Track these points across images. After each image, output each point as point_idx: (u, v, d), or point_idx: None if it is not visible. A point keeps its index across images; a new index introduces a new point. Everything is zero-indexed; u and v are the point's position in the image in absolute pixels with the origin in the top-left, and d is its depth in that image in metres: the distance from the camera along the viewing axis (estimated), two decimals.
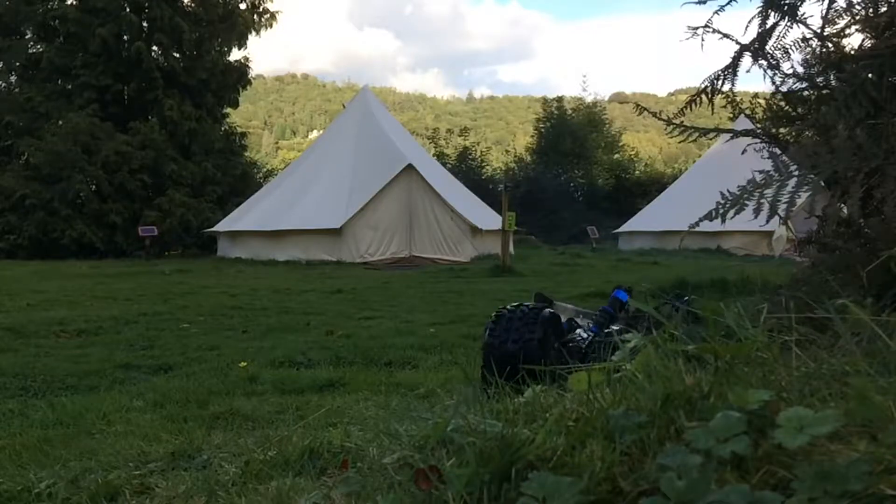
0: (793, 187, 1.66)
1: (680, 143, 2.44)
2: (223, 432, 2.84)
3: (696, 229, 2.01)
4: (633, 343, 1.84)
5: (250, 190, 22.69)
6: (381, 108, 21.95)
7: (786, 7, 2.15)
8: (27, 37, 24.56)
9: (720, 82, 2.35)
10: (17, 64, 24.27)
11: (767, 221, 1.77)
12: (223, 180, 23.77)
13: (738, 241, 19.12)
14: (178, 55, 23.95)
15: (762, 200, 1.70)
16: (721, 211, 1.80)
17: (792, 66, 2.25)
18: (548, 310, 2.76)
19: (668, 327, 2.51)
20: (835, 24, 2.14)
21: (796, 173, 1.69)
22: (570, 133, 33.97)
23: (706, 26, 2.29)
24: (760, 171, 1.77)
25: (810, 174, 1.64)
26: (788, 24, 2.17)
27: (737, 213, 1.76)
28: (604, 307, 2.94)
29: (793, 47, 2.22)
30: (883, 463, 0.90)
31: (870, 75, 1.91)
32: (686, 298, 2.90)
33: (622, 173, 34.44)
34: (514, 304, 2.90)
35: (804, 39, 2.20)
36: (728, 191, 1.80)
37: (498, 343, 2.67)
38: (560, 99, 36.90)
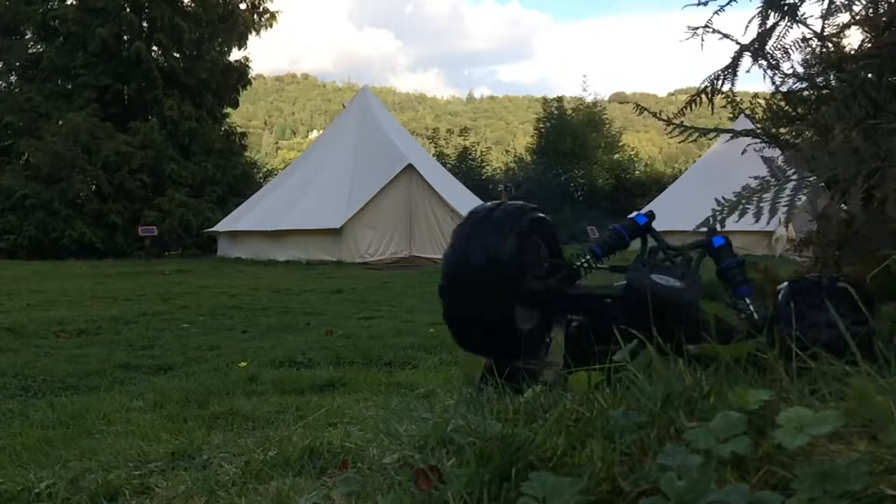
0: (791, 190, 1.66)
1: (680, 143, 2.44)
2: (223, 432, 2.84)
3: (696, 229, 2.03)
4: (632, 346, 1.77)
5: (250, 190, 22.69)
6: (381, 108, 21.95)
7: (786, 7, 2.15)
8: (27, 37, 24.56)
9: (720, 82, 2.34)
10: (17, 64, 24.27)
11: (768, 223, 1.78)
12: (223, 180, 23.77)
13: (738, 241, 18.98)
14: (177, 55, 23.95)
15: (761, 204, 1.70)
16: (719, 217, 1.81)
17: (792, 66, 2.25)
18: (535, 212, 2.06)
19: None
20: (835, 24, 2.14)
21: (794, 177, 1.69)
22: (571, 133, 33.97)
23: (706, 26, 2.29)
24: (756, 177, 1.78)
25: (808, 177, 1.64)
26: (788, 24, 2.17)
27: (740, 216, 1.76)
28: (616, 226, 2.27)
29: (793, 47, 2.21)
30: (883, 463, 0.90)
31: (869, 75, 1.91)
32: (723, 239, 2.15)
33: (622, 173, 34.45)
34: (493, 202, 2.20)
35: (804, 39, 2.20)
36: (723, 198, 1.81)
37: (459, 259, 1.89)
38: (560, 99, 36.89)
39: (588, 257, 2.15)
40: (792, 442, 0.93)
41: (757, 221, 1.80)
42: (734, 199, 1.77)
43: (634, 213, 2.29)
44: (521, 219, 1.97)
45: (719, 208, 1.82)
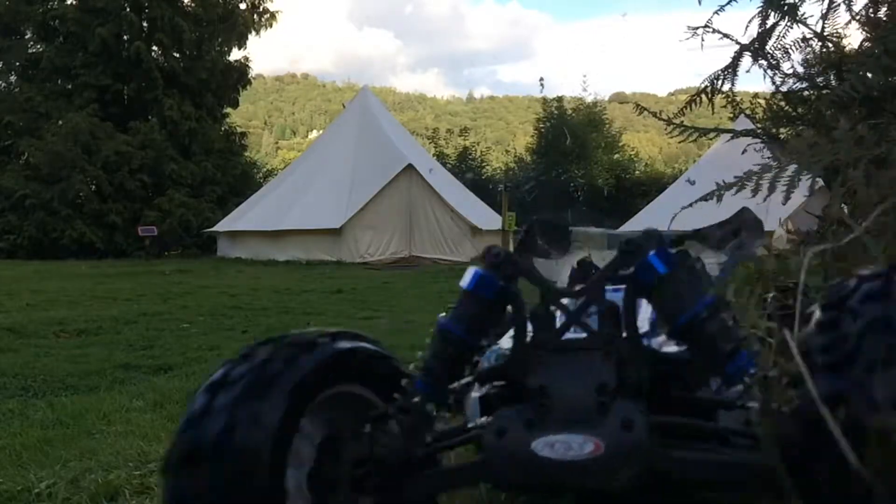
0: (792, 172, 1.66)
1: (680, 142, 2.44)
2: None
3: (695, 203, 1.98)
4: None
5: (250, 190, 22.67)
6: (381, 108, 21.94)
7: (786, 7, 2.15)
8: (27, 37, 24.54)
9: (720, 82, 2.35)
10: (17, 64, 24.25)
11: (764, 200, 1.75)
12: (223, 180, 23.76)
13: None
14: (178, 55, 23.93)
15: (761, 182, 1.70)
16: (718, 193, 1.80)
17: (792, 66, 2.25)
18: (343, 343, 1.30)
19: None
20: (835, 23, 2.14)
21: (795, 161, 1.69)
22: (571, 133, 33.92)
23: (706, 26, 2.29)
24: (758, 164, 1.78)
25: (810, 161, 1.64)
26: (788, 23, 2.17)
27: (737, 191, 1.75)
28: (417, 384, 1.34)
29: (793, 47, 2.21)
30: None
31: (869, 74, 1.90)
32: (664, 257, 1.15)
33: (622, 173, 34.40)
34: (302, 330, 1.32)
35: (804, 39, 2.20)
36: (724, 181, 1.80)
37: (198, 448, 1.10)
38: (560, 99, 36.83)
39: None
40: None
41: (753, 197, 1.75)
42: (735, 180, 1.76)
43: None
44: (303, 364, 1.12)
45: (720, 185, 1.80)
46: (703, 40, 2.30)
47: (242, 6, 25.37)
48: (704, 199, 1.85)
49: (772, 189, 1.68)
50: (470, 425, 1.25)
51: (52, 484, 2.05)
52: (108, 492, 1.91)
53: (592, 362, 1.07)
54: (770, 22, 2.18)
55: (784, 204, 1.74)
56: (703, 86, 2.38)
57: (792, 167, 1.68)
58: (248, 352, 1.23)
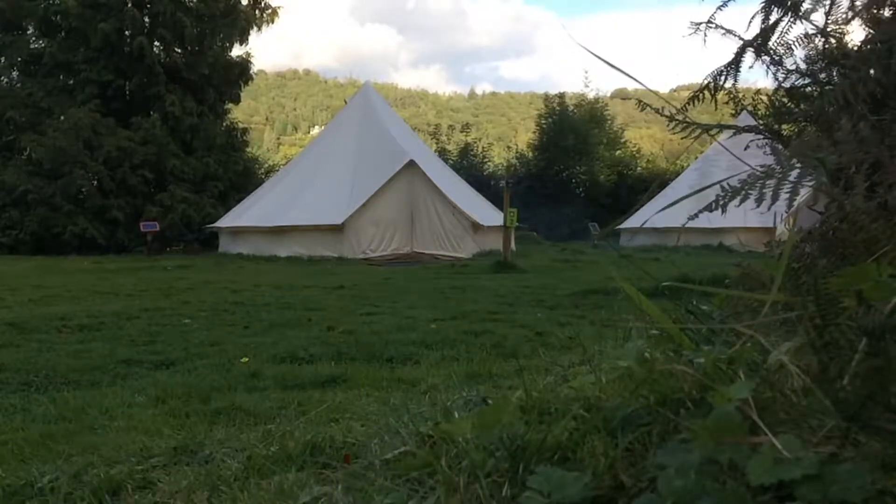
0: (795, 177, 1.65)
1: (683, 139, 2.44)
2: (225, 427, 2.84)
3: (698, 225, 1.98)
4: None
5: (252, 186, 22.71)
6: (383, 104, 21.94)
7: (789, 3, 2.14)
8: (29, 32, 24.54)
9: (723, 78, 2.34)
10: (19, 59, 24.25)
11: (769, 209, 1.75)
12: (225, 176, 23.79)
13: (740, 238, 19.15)
14: (179, 50, 23.95)
15: (764, 190, 1.69)
16: (721, 203, 1.79)
17: (795, 63, 2.25)
18: None
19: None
20: (837, 19, 2.14)
21: (798, 166, 1.69)
22: (572, 129, 33.93)
23: (709, 22, 2.29)
24: (761, 166, 1.77)
25: (812, 166, 1.63)
26: (791, 19, 2.17)
27: (741, 201, 1.74)
28: None
29: (796, 43, 2.21)
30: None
31: (871, 71, 1.90)
32: None
33: (624, 170, 34.40)
34: None
35: (807, 35, 2.19)
36: (728, 185, 1.79)
37: None
38: (562, 95, 36.83)
39: None
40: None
41: (758, 206, 1.75)
42: (738, 186, 1.75)
43: None
44: None
45: (723, 194, 1.78)
46: (705, 36, 2.29)
47: (244, 2, 25.36)
48: (708, 209, 1.83)
49: (775, 198, 1.67)
50: None
51: (54, 479, 2.05)
52: (110, 486, 1.92)
53: None
54: (773, 18, 2.17)
55: (787, 212, 1.74)
56: (705, 82, 2.37)
57: (794, 173, 1.67)
58: None
